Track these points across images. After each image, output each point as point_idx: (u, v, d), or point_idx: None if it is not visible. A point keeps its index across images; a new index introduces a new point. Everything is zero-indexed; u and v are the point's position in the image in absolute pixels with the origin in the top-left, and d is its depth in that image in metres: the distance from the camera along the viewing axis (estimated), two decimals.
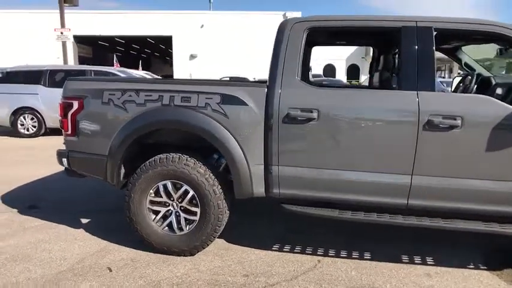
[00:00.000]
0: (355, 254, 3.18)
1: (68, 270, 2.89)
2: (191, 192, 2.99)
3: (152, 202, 3.09)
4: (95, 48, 35.19)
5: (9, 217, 3.95)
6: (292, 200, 2.97)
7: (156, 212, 3.11)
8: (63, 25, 13.86)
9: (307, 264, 3.02)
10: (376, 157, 2.77)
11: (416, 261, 3.07)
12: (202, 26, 29.11)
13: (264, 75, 3.30)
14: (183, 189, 3.01)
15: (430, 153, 2.68)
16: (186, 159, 2.98)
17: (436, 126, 2.62)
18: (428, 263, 3.06)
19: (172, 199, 3.07)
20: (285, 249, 3.27)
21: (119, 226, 3.50)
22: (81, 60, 30.10)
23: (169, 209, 3.10)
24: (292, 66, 2.86)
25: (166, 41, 30.67)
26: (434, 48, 2.72)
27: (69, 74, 9.08)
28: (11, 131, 9.29)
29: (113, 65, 16.65)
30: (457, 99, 2.81)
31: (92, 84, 3.22)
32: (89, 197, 4.60)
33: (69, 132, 3.23)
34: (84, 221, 3.85)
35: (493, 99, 2.65)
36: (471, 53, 4.15)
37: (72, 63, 26.84)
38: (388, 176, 2.76)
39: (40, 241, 3.38)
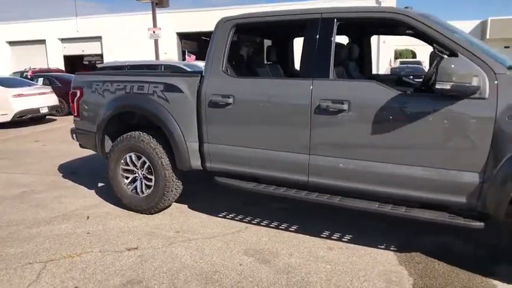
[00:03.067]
0: (282, 226, 3.54)
1: (61, 215, 3.91)
2: (147, 163, 3.73)
3: (123, 170, 3.92)
4: (200, 43, 38.38)
5: (54, 178, 5.24)
6: (223, 173, 3.49)
7: (127, 178, 3.93)
8: (155, 25, 15.89)
9: (234, 229, 3.51)
10: (281, 138, 3.11)
11: (332, 238, 3.31)
12: None
13: None
14: (142, 160, 3.76)
15: (322, 135, 2.93)
16: (143, 136, 3.71)
17: (325, 110, 2.86)
18: (343, 240, 3.27)
19: (137, 168, 3.85)
20: (227, 217, 3.79)
21: None
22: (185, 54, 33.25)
23: (136, 176, 3.88)
24: (218, 59, 3.36)
25: None
26: (334, 38, 2.93)
27: (146, 68, 10.65)
28: None
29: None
30: (346, 85, 2.95)
31: (87, 77, 4.17)
32: None
33: (76, 114, 4.25)
34: (100, 185, 4.91)
35: (378, 84, 2.76)
36: None
37: (176, 58, 30.00)
38: (290, 155, 3.09)
39: (60, 196, 4.51)
